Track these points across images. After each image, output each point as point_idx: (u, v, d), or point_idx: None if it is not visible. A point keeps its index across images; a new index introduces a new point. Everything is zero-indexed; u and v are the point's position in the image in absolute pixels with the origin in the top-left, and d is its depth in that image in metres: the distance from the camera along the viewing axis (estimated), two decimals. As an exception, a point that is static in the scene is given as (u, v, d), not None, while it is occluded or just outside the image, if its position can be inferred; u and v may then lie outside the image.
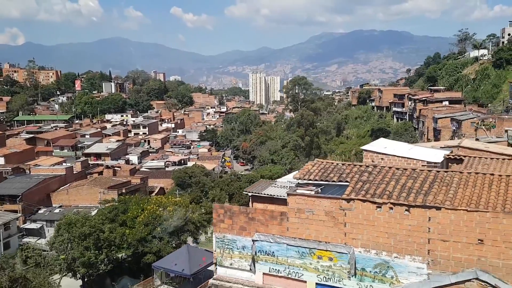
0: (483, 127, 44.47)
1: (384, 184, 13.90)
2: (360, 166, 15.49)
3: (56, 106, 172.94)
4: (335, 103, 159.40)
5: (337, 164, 15.86)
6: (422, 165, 23.19)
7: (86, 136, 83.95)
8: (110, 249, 35.58)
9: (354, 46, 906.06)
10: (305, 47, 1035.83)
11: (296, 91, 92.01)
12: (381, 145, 26.95)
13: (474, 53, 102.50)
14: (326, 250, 13.41)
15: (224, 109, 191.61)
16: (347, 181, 14.39)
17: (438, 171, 14.59)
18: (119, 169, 61.63)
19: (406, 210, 12.43)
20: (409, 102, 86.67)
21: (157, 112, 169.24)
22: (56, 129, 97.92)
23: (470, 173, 14.21)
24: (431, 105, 74.51)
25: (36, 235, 46.85)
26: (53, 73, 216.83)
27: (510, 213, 11.60)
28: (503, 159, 19.36)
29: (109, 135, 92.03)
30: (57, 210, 49.47)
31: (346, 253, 13.16)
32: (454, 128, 58.43)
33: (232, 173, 63.47)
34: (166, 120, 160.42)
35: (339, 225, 13.12)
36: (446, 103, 74.25)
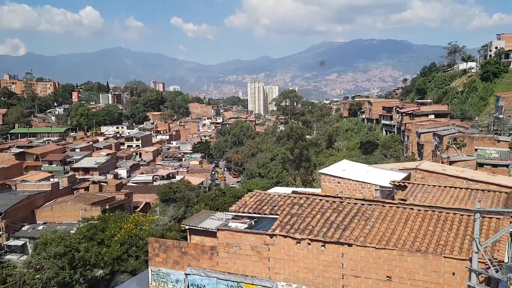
0: (454, 145, 45.11)
1: (309, 218, 14.56)
2: (294, 197, 16.13)
3: (53, 118, 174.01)
4: (333, 112, 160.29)
5: (273, 196, 16.49)
6: (375, 189, 23.96)
7: (77, 150, 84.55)
8: (85, 268, 36.03)
9: (353, 55, 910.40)
10: (305, 56, 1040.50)
11: (286, 104, 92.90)
12: (340, 167, 27.61)
13: (463, 66, 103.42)
14: (252, 284, 14.02)
15: (220, 120, 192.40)
16: (277, 214, 15.02)
17: (362, 204, 15.23)
18: (105, 184, 62.19)
19: (322, 245, 13.06)
20: (397, 115, 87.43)
21: (152, 123, 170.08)
22: (48, 142, 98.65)
23: (392, 206, 14.85)
24: (417, 119, 75.22)
25: (19, 252, 47.29)
26: (50, 85, 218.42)
27: (413, 251, 12.21)
28: (446, 186, 19.94)
29: (101, 149, 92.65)
30: (40, 227, 49.90)
31: (270, 287, 13.77)
32: (436, 143, 59.05)
33: (217, 188, 63.97)
34: (162, 132, 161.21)
35: (264, 259, 13.74)
36: (432, 116, 74.94)
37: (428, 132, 61.86)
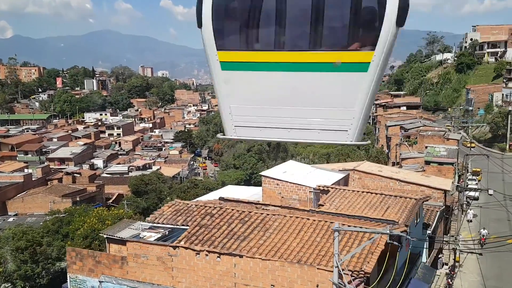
0: (406, 143, 46.57)
1: (216, 229, 15.79)
2: (209, 208, 17.30)
3: (37, 104, 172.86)
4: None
5: (190, 206, 17.65)
6: (309, 191, 25.24)
7: (54, 140, 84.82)
8: (47, 262, 37.05)
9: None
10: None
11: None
12: (283, 169, 28.89)
13: (440, 57, 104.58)
14: (158, 291, 15.29)
15: (206, 107, 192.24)
16: (188, 225, 16.21)
17: (267, 214, 16.45)
18: (78, 175, 62.82)
19: (218, 256, 14.32)
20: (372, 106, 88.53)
21: (137, 110, 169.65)
22: (27, 131, 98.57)
23: (292, 216, 16.11)
24: (389, 110, 76.63)
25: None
26: (35, 70, 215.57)
27: (293, 262, 13.50)
28: (364, 191, 21.20)
29: (79, 138, 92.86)
30: (11, 219, 50.76)
31: (174, 294, 15.05)
32: (401, 136, 60.49)
33: (189, 180, 64.99)
34: (146, 119, 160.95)
35: (168, 269, 14.98)
36: (404, 108, 76.36)
37: (395, 125, 63.29)
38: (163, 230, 16.32)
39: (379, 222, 17.41)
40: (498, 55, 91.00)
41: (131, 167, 73.69)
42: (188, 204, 17.79)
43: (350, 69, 5.38)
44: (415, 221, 21.57)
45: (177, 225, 16.28)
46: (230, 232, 15.33)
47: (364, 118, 5.65)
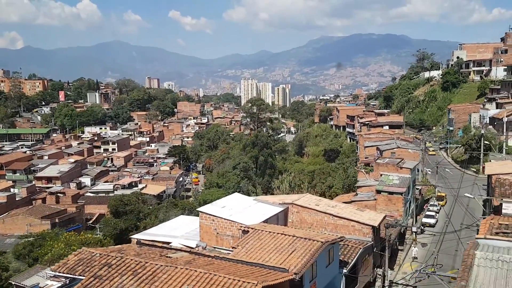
0: (363, 170, 47.38)
1: (108, 281, 16.93)
2: (110, 257, 18.42)
3: (39, 117, 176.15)
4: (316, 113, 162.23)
5: (95, 255, 18.78)
6: (237, 229, 26.23)
7: (45, 157, 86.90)
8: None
9: (352, 49, 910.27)
10: (304, 50, 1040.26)
11: (254, 111, 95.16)
12: (223, 203, 29.91)
13: (429, 74, 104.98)
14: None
15: (205, 120, 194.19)
16: (84, 276, 17.37)
17: (161, 265, 17.54)
18: (62, 195, 64.31)
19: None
20: (358, 124, 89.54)
21: (136, 124, 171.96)
22: (22, 147, 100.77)
23: (182, 268, 17.21)
24: (372, 130, 77.37)
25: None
26: (39, 83, 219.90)
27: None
28: (278, 233, 22.17)
29: (72, 154, 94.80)
30: (-10, 240, 52.29)
31: None
32: (377, 156, 61.22)
33: (169, 200, 66.15)
34: (145, 133, 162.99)
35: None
36: (387, 127, 77.04)
37: (372, 146, 64.05)
38: (64, 279, 17.50)
39: (271, 270, 18.49)
40: (484, 73, 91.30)
41: (116, 186, 75.07)
42: (93, 252, 18.90)
43: None
44: (327, 261, 22.55)
45: (75, 275, 17.43)
46: (119, 286, 16.45)
47: None
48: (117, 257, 18.29)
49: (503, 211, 20.65)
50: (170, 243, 27.45)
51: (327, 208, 29.22)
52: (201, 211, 27.82)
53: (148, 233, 30.37)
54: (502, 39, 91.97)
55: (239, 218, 26.84)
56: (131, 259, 18.10)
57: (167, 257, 19.29)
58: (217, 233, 27.25)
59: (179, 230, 29.93)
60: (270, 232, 22.66)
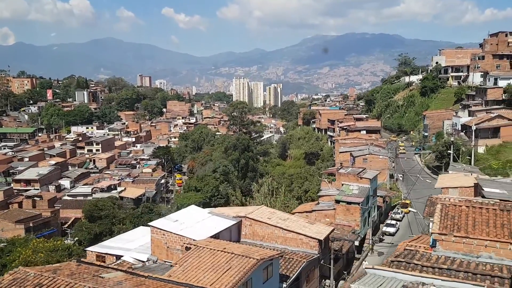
0: (326, 180, 48.41)
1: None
2: (43, 277, 19.12)
3: (26, 116, 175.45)
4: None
5: (29, 274, 19.47)
6: (184, 243, 27.00)
7: (25, 159, 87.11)
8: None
9: (346, 48, 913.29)
10: (298, 49, 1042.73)
11: (236, 114, 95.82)
12: (177, 217, 30.68)
13: (409, 78, 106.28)
14: None
15: (193, 120, 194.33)
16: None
17: (89, 287, 18.30)
18: (39, 199, 64.70)
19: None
20: (338, 128, 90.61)
21: (123, 124, 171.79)
22: (5, 148, 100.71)
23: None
24: (350, 134, 78.46)
25: None
26: (28, 81, 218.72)
27: None
28: (219, 250, 22.98)
29: (53, 156, 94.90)
30: (-38, 245, 52.68)
31: None
32: (351, 163, 62.33)
33: (144, 205, 66.66)
34: (132, 132, 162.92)
35: None
36: (364, 132, 78.15)
37: (346, 151, 65.11)
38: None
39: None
40: (462, 79, 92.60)
41: (95, 189, 75.45)
42: (27, 272, 19.58)
43: None
44: (265, 277, 23.40)
45: (8, 295, 18.16)
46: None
47: None
48: (49, 277, 19.01)
49: (430, 230, 21.53)
50: (122, 256, 28.24)
51: (278, 221, 30.10)
52: (152, 226, 28.49)
53: (104, 245, 31.09)
54: (481, 45, 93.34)
55: (189, 233, 27.55)
56: (62, 280, 18.83)
57: (100, 277, 20.03)
58: (167, 247, 27.94)
59: (134, 243, 30.67)
60: (210, 249, 23.43)
